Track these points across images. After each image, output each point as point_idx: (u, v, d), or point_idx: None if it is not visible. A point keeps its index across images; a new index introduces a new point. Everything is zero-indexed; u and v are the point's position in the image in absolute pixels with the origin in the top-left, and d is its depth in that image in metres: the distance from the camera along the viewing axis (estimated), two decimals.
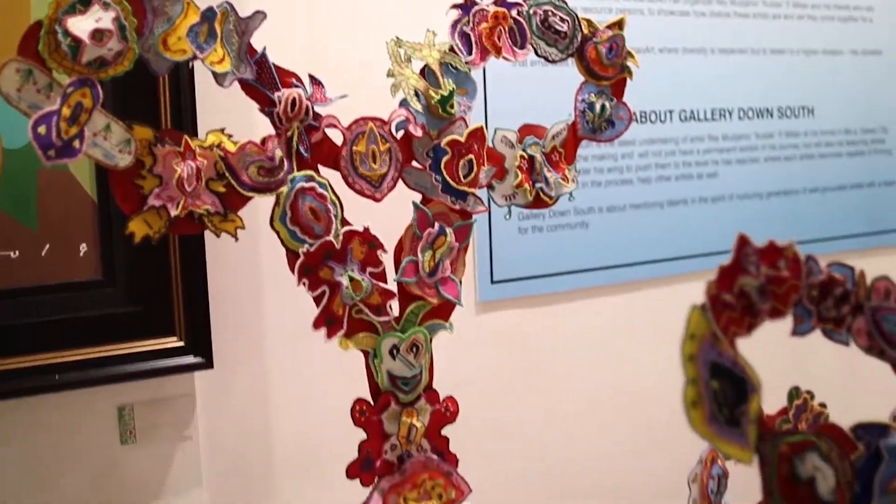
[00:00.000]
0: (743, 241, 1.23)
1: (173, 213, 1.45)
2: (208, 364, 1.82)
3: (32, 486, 1.75)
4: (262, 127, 1.52)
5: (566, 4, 1.77)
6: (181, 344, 1.80)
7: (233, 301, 1.90)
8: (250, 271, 1.93)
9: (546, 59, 1.78)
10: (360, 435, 1.68)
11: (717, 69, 2.46)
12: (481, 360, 2.12)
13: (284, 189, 1.55)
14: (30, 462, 1.75)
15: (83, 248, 1.74)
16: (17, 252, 1.69)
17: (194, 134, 1.71)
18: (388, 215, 1.65)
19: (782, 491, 1.25)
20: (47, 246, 1.71)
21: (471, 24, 1.70)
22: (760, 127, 2.55)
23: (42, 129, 1.31)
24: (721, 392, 1.17)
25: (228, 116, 1.60)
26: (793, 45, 2.61)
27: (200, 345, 1.81)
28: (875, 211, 2.81)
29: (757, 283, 1.23)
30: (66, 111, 1.33)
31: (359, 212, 1.62)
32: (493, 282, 2.11)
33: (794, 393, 2.12)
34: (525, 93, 2.14)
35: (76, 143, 1.35)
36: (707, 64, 2.44)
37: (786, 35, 2.60)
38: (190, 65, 1.74)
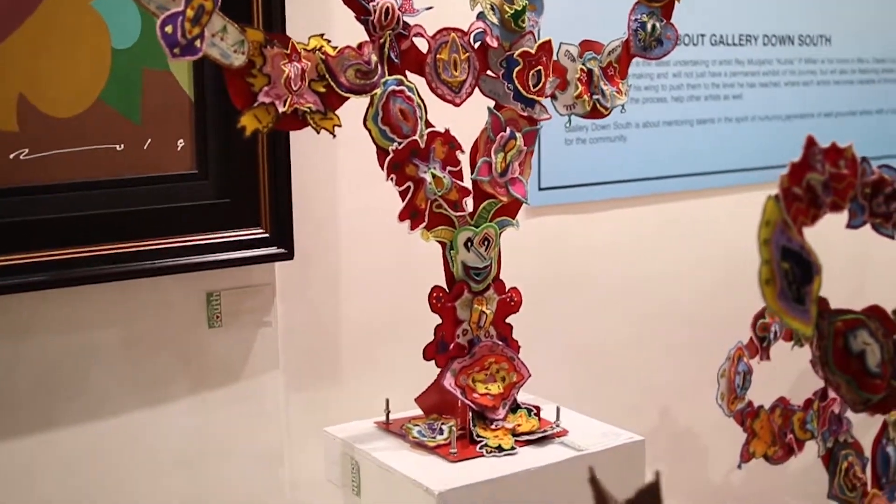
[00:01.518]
0: (811, 142, 1.39)
1: (280, 109, 1.59)
2: (290, 255, 1.97)
3: (129, 362, 1.90)
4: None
5: None
6: (266, 235, 1.95)
7: (312, 198, 2.04)
8: (328, 172, 2.07)
9: None
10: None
11: None
12: (529, 261, 2.26)
13: (378, 91, 1.69)
14: (128, 340, 1.89)
15: (181, 143, 1.88)
16: (122, 145, 1.83)
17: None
18: (465, 119, 1.80)
19: (837, 362, 1.42)
20: (149, 140, 1.85)
21: None
22: (782, 53, 2.70)
23: (169, 29, 1.44)
24: (791, 272, 1.33)
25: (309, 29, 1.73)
26: None
27: (283, 236, 1.96)
28: (882, 136, 2.98)
29: (822, 179, 1.38)
30: (189, 12, 1.46)
31: (439, 115, 1.77)
32: (540, 188, 2.27)
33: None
34: (578, 8, 2.28)
35: (198, 43, 1.49)
36: None
37: None
38: None
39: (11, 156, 1.74)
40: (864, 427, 2.55)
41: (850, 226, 1.43)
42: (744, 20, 2.62)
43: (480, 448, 1.78)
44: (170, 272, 1.87)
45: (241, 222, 1.93)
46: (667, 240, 2.56)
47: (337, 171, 2.08)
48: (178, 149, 1.88)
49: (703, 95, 2.55)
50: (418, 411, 1.91)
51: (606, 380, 2.47)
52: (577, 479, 1.78)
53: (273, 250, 1.96)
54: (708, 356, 2.22)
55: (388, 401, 1.91)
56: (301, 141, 1.93)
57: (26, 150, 1.75)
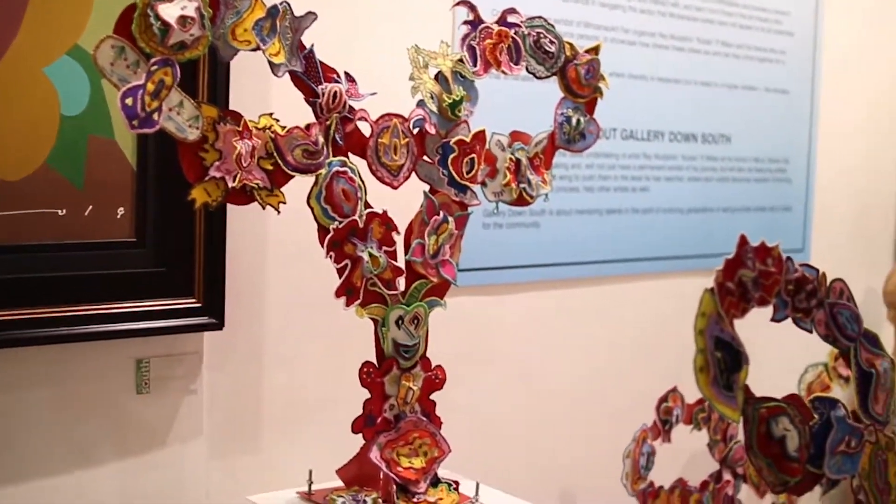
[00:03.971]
0: (743, 241, 1.49)
1: (231, 184, 1.64)
2: (220, 325, 2.01)
3: (58, 424, 1.91)
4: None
5: (555, 28, 2.00)
6: (198, 305, 1.99)
7: (243, 269, 2.09)
8: (259, 244, 2.12)
9: (534, 75, 2.01)
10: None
11: (654, 95, 2.74)
12: (448, 339, 2.32)
13: (323, 171, 1.75)
14: (58, 403, 1.91)
15: (121, 210, 1.91)
16: (64, 210, 1.86)
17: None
18: (397, 202, 1.87)
19: (760, 446, 1.51)
20: (90, 206, 1.88)
21: (477, 39, 1.93)
22: (686, 150, 2.83)
23: (129, 101, 1.50)
24: (722, 361, 1.43)
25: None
26: (718, 79, 2.90)
27: (215, 307, 2.00)
28: (774, 231, 3.12)
29: (752, 275, 1.49)
30: (150, 86, 1.51)
31: (374, 197, 1.83)
32: (458, 270, 2.34)
33: None
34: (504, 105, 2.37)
35: (156, 116, 1.54)
36: (647, 90, 2.71)
37: (713, 70, 2.88)
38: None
39: None
40: None
41: (774, 319, 1.53)
42: (653, 117, 2.74)
43: None
44: (103, 338, 1.90)
45: (175, 291, 1.96)
46: (576, 323, 2.65)
47: (267, 244, 2.13)
48: (118, 216, 1.91)
49: (613, 186, 2.66)
50: (339, 482, 1.95)
51: (515, 456, 2.54)
52: None
53: (204, 320, 2.00)
54: (612, 437, 2.31)
55: (310, 471, 1.94)
56: (234, 212, 1.98)
57: None
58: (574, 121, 2.05)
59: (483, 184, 1.98)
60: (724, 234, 2.96)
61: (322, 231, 1.77)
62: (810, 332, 1.58)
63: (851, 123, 3.42)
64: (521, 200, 2.03)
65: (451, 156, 1.90)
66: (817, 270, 1.58)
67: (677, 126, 2.80)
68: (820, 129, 3.25)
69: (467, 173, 1.92)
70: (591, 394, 2.70)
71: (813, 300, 1.56)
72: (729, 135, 2.94)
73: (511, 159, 2.00)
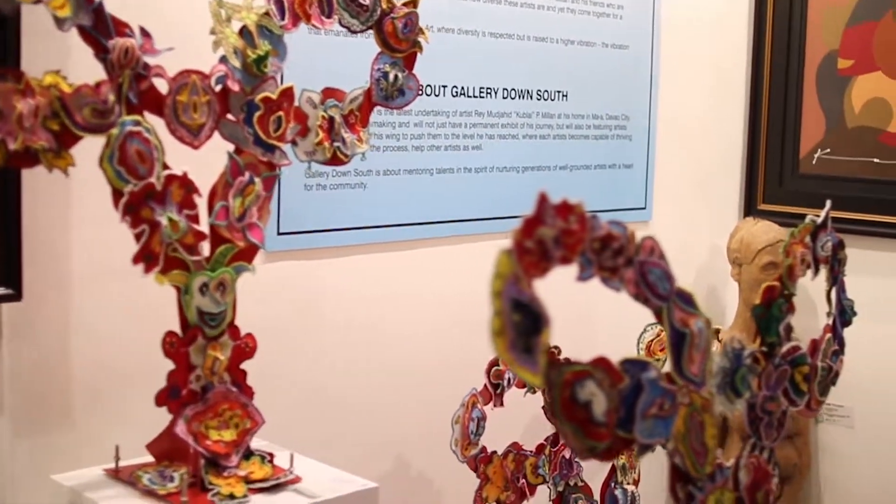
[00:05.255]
0: (543, 198, 1.43)
1: (11, 147, 1.55)
2: (17, 296, 1.91)
3: None
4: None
5: None
6: None
7: (44, 238, 1.98)
8: (61, 212, 2.01)
9: (349, 28, 1.94)
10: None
11: (486, 51, 2.67)
12: (267, 305, 2.25)
13: (115, 131, 1.66)
14: None
15: None
16: None
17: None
18: (203, 163, 1.79)
19: (564, 411, 1.46)
20: None
21: None
22: (521, 107, 2.77)
23: None
24: (521, 324, 1.36)
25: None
26: (553, 34, 2.84)
27: (12, 277, 1.90)
28: (615, 190, 3.09)
29: (553, 234, 1.42)
30: None
31: (177, 158, 1.75)
32: (279, 233, 2.26)
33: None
34: (321, 60, 2.28)
35: None
36: (478, 45, 2.64)
37: (548, 25, 2.82)
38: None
39: None
40: (595, 470, 2.63)
41: (579, 279, 1.47)
42: (485, 74, 2.67)
43: (212, 496, 1.75)
44: None
45: None
46: (406, 286, 2.58)
47: (70, 212, 2.02)
48: None
49: (444, 145, 2.59)
50: (151, 458, 1.87)
51: (345, 426, 2.47)
52: None
53: (0, 291, 1.89)
54: (444, 402, 2.25)
55: (117, 447, 1.86)
56: (33, 179, 1.87)
57: None
58: (392, 77, 1.98)
59: (294, 143, 1.91)
60: (562, 192, 2.90)
61: (116, 194, 1.68)
62: (618, 290, 1.53)
63: (695, 79, 3.39)
64: (335, 160, 1.96)
65: (257, 114, 1.82)
66: (625, 228, 1.52)
67: (511, 82, 2.74)
68: (661, 85, 3.22)
69: (275, 132, 1.84)
70: (423, 359, 2.64)
71: (620, 258, 1.50)
72: (566, 91, 2.89)
73: (324, 117, 1.93)
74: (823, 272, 1.95)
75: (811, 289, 1.98)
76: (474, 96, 2.65)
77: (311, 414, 2.39)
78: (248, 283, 1.85)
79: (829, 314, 2.00)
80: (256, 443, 1.91)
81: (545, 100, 2.84)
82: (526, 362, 1.38)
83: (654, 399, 1.54)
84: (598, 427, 1.47)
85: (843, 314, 2.02)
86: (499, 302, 1.36)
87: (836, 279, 1.99)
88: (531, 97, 2.80)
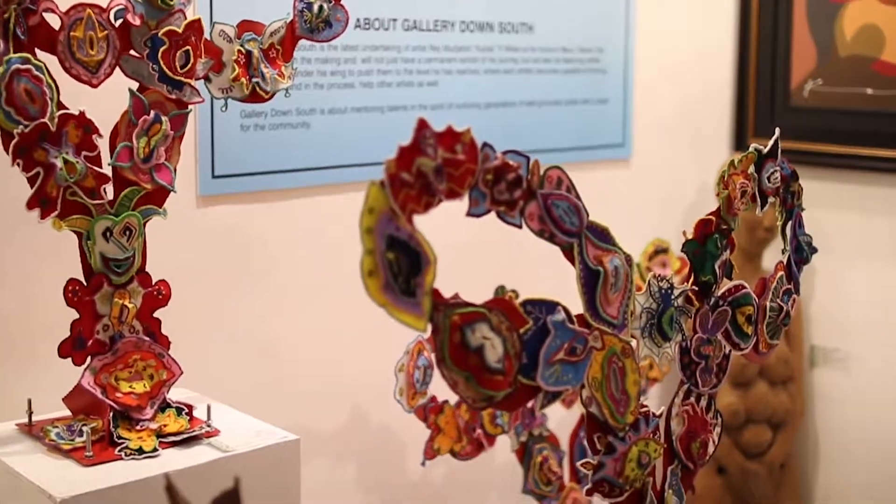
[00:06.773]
0: (422, 124, 1.33)
1: None
2: None
3: None
4: None
5: None
6: None
7: None
8: None
9: None
10: (66, 316, 1.73)
11: None
12: (201, 252, 2.16)
13: (0, 70, 1.57)
14: None
15: None
16: None
17: None
18: (105, 102, 1.70)
19: (453, 357, 1.36)
20: None
21: None
22: (481, 40, 2.65)
23: None
24: (397, 263, 1.27)
25: None
26: None
27: None
28: (590, 125, 2.96)
29: (434, 164, 1.32)
30: None
31: (76, 97, 1.66)
32: (214, 176, 2.16)
33: (499, 290, 2.25)
34: None
35: None
36: None
37: None
38: None
39: None
40: (562, 419, 2.54)
41: (469, 214, 1.38)
42: (440, 6, 2.55)
43: (120, 451, 1.68)
44: None
45: None
46: (352, 231, 2.47)
47: None
48: None
49: (396, 82, 2.48)
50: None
51: (289, 377, 2.37)
52: (221, 482, 1.70)
53: None
54: (395, 350, 2.15)
55: (30, 401, 1.80)
56: None
57: None
58: (316, 7, 1.88)
59: (207, 79, 1.82)
60: (530, 129, 2.80)
61: (6, 136, 1.59)
62: (519, 227, 1.43)
63: (677, 6, 3.23)
64: (255, 97, 1.87)
65: (162, 49, 1.73)
66: (527, 158, 1.42)
67: (469, 15, 2.61)
68: (638, 13, 3.07)
69: (182, 67, 1.75)
70: (369, 306, 2.54)
71: (517, 191, 1.40)
72: (531, 23, 2.76)
73: (240, 51, 1.83)
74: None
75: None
76: (428, 29, 2.53)
77: (249, 365, 2.29)
78: (182, 228, 1.76)
79: (783, 251, 1.90)
80: (187, 395, 1.84)
81: (508, 32, 2.71)
82: (405, 304, 1.28)
83: (561, 343, 1.44)
84: (495, 374, 1.37)
85: (799, 251, 1.91)
86: (370, 239, 1.27)
87: (790, 213, 1.88)
88: (492, 30, 2.67)
